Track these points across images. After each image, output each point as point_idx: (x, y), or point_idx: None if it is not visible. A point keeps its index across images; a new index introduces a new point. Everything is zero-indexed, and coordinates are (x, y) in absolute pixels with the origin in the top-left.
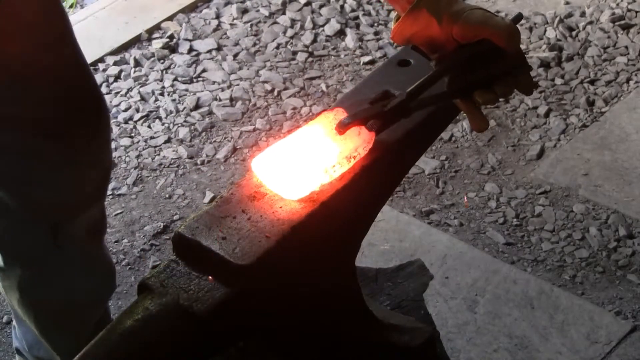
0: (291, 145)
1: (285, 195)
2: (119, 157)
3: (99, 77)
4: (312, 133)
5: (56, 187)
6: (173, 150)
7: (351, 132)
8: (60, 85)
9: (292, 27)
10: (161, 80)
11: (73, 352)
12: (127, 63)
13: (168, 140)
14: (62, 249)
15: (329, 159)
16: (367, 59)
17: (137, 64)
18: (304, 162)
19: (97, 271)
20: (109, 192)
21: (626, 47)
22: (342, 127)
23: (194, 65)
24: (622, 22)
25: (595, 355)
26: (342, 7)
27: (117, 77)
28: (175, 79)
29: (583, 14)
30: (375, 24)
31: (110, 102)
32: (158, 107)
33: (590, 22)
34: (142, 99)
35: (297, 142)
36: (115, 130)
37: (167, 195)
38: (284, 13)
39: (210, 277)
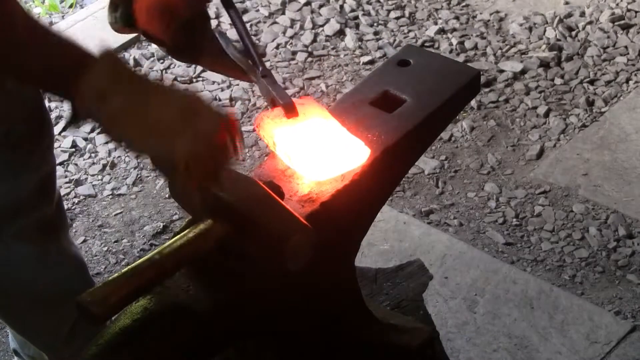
0: (302, 147)
1: (359, 162)
2: (119, 157)
3: None
4: (289, 135)
5: None
6: None
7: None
8: (7, 100)
9: (291, 27)
10: (161, 80)
11: (56, 348)
12: (127, 63)
13: None
14: (8, 246)
15: (330, 125)
16: (366, 59)
17: (137, 64)
18: (330, 144)
19: (60, 266)
20: (108, 192)
21: (626, 47)
22: (291, 111)
23: (193, 65)
24: (622, 22)
25: (595, 355)
26: (341, 7)
27: None
28: (175, 79)
29: (583, 14)
30: (375, 24)
31: None
32: None
33: (590, 22)
34: None
35: (299, 144)
36: None
37: (166, 195)
38: (283, 13)
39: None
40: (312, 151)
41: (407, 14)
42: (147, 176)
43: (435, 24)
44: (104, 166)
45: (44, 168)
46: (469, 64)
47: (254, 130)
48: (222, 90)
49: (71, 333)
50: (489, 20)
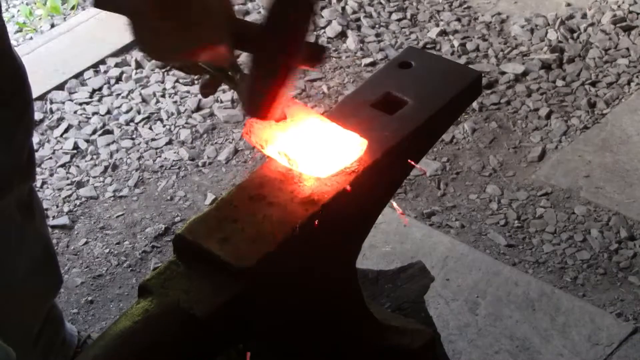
0: (299, 146)
1: (357, 154)
2: (120, 159)
3: (100, 79)
4: (283, 137)
5: None
6: (174, 152)
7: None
8: None
9: None
10: (162, 82)
11: (26, 346)
12: (129, 65)
13: (169, 142)
14: None
15: (320, 123)
16: (368, 60)
17: (139, 65)
18: (326, 139)
19: (31, 253)
20: (110, 194)
21: (627, 48)
22: (279, 117)
23: None
24: (624, 23)
25: (597, 357)
26: (343, 9)
27: (118, 79)
28: (176, 81)
29: (584, 16)
30: (377, 26)
31: (112, 104)
32: (159, 109)
33: (592, 24)
34: (144, 100)
35: (295, 144)
36: (116, 132)
37: (168, 197)
38: None
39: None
40: (311, 148)
41: (408, 16)
42: (149, 178)
43: (437, 25)
44: (106, 168)
45: (29, 137)
46: (470, 65)
47: (242, 136)
48: (224, 92)
49: (39, 335)
50: (490, 22)
